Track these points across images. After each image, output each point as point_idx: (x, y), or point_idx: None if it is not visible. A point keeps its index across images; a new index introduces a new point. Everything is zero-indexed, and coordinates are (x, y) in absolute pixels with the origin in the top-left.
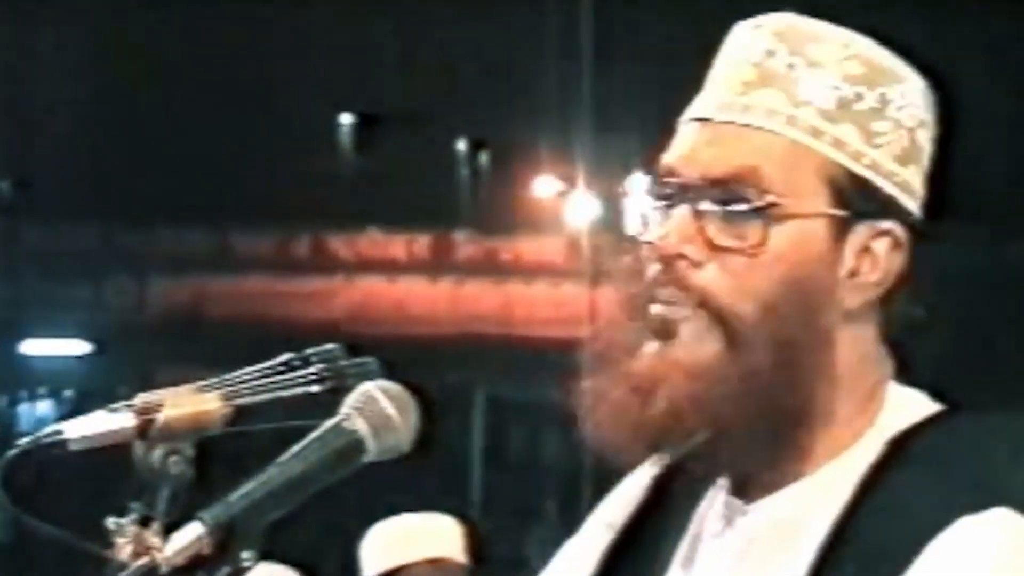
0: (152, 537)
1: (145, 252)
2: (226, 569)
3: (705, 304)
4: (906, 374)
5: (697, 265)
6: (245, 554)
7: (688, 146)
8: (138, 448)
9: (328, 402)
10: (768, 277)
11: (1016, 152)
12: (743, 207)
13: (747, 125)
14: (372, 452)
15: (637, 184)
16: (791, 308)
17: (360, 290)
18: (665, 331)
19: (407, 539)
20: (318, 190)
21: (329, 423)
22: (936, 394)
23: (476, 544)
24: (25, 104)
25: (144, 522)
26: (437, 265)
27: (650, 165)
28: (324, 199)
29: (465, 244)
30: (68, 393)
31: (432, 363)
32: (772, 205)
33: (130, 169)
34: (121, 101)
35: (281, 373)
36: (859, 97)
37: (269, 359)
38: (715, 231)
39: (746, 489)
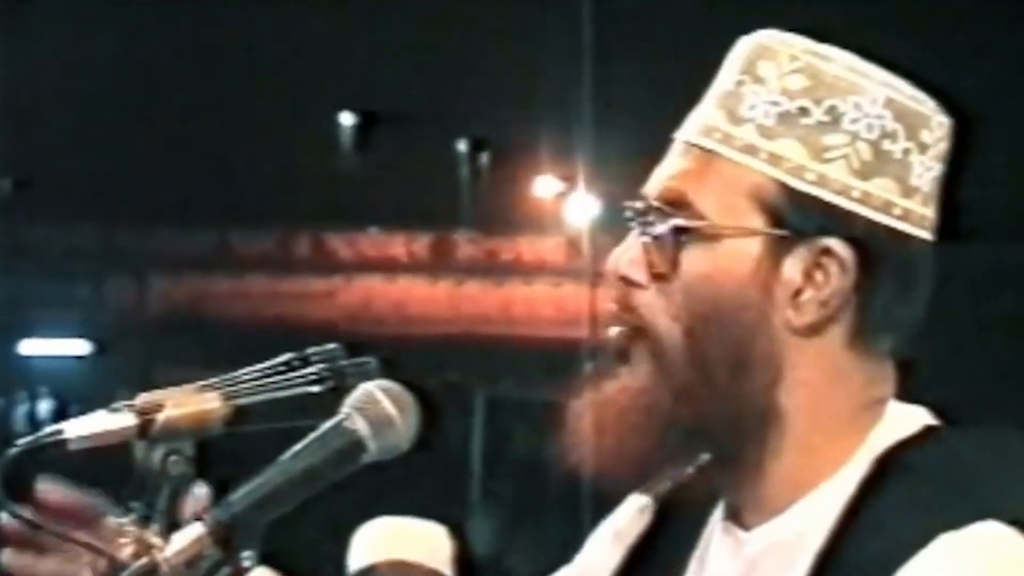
0: (153, 537)
1: (145, 252)
2: (226, 569)
3: (644, 326)
4: (912, 392)
5: (641, 287)
6: (246, 554)
7: (659, 167)
8: (138, 448)
9: (328, 402)
10: (691, 299)
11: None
12: (666, 232)
13: (692, 144)
14: (372, 452)
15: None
16: (714, 329)
17: (360, 290)
18: (621, 355)
19: (388, 539)
20: (318, 190)
21: (329, 423)
22: (940, 412)
23: (465, 556)
24: (25, 104)
25: (145, 522)
26: (437, 265)
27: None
28: (324, 199)
29: (465, 244)
30: (68, 393)
31: (432, 363)
32: (684, 230)
33: (130, 169)
34: (121, 101)
35: (281, 373)
36: (804, 111)
37: (269, 359)
38: (654, 256)
39: (742, 517)
